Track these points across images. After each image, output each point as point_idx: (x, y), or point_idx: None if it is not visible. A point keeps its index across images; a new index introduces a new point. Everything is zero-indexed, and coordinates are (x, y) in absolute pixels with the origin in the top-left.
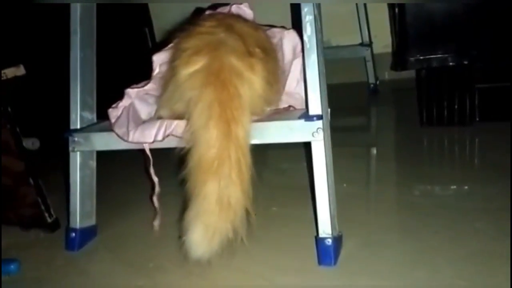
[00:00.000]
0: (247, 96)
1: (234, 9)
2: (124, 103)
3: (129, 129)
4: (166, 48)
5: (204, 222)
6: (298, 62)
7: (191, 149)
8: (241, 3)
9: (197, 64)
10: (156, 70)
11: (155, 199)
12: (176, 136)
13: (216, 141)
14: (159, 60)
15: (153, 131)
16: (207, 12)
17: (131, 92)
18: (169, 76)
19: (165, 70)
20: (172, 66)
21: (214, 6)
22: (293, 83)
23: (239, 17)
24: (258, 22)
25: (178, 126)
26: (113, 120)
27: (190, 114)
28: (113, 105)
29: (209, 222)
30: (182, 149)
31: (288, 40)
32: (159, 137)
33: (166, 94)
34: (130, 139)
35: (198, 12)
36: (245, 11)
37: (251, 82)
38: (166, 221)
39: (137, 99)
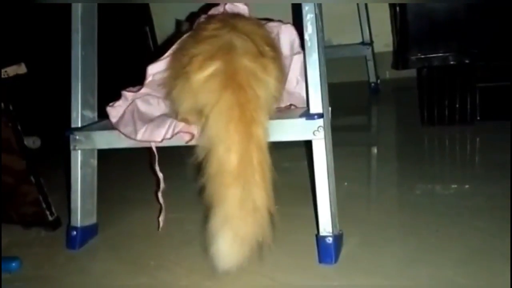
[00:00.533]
0: (263, 96)
1: (229, 6)
2: (121, 103)
3: (137, 128)
4: (162, 58)
5: (232, 229)
6: (298, 61)
7: (209, 155)
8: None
9: (211, 68)
10: (149, 79)
11: (160, 195)
12: (186, 132)
13: (238, 144)
14: (154, 70)
15: (163, 130)
16: (203, 16)
17: (128, 94)
18: (175, 83)
19: (164, 77)
20: (181, 72)
21: (207, 6)
22: (293, 82)
23: (238, 15)
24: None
25: (186, 125)
26: (113, 120)
27: (206, 119)
28: (110, 104)
29: (237, 229)
30: (197, 156)
31: (285, 35)
32: (168, 135)
33: (171, 98)
34: (139, 137)
35: (192, 18)
36: (240, 7)
37: (266, 83)
38: (167, 219)
39: (139, 100)
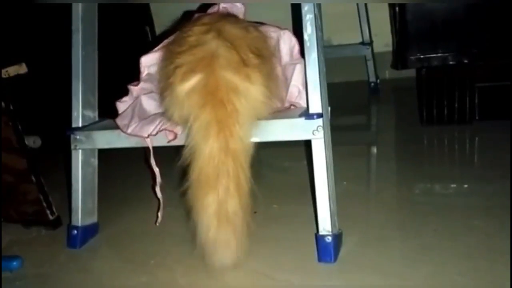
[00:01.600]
0: (244, 109)
1: (225, 5)
2: (127, 98)
3: (131, 123)
4: (154, 50)
5: (213, 237)
6: (300, 71)
7: (192, 162)
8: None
9: (192, 80)
10: (145, 72)
11: (157, 189)
12: (171, 131)
13: (215, 155)
14: (147, 62)
15: (151, 127)
16: (196, 15)
17: (133, 89)
18: (165, 91)
19: (156, 71)
20: (168, 83)
21: (205, 6)
22: (294, 93)
23: (228, 17)
24: (260, 21)
25: (173, 124)
26: (119, 114)
27: (189, 129)
28: (120, 99)
29: (217, 236)
30: (184, 161)
31: (284, 41)
32: (154, 132)
33: (164, 106)
34: (129, 131)
35: (187, 16)
36: (237, 6)
37: (249, 93)
38: (167, 218)
39: (145, 96)
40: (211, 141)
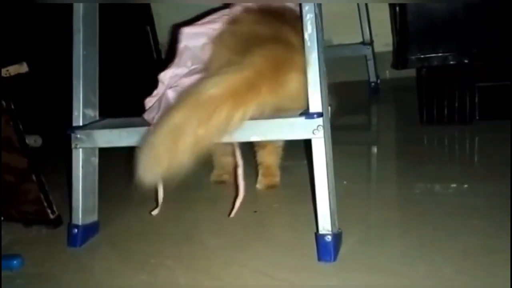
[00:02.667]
0: (279, 92)
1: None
2: (159, 90)
3: (156, 115)
4: (197, 23)
5: (146, 144)
6: None
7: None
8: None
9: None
10: (183, 43)
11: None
12: None
13: (222, 91)
14: (189, 31)
15: None
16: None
17: (162, 76)
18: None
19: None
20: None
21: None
22: None
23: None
24: None
25: None
26: (146, 109)
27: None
28: (152, 95)
29: (148, 142)
30: None
31: None
32: None
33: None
34: (155, 121)
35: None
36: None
37: (298, 85)
38: (167, 218)
39: (171, 89)
40: (236, 77)
